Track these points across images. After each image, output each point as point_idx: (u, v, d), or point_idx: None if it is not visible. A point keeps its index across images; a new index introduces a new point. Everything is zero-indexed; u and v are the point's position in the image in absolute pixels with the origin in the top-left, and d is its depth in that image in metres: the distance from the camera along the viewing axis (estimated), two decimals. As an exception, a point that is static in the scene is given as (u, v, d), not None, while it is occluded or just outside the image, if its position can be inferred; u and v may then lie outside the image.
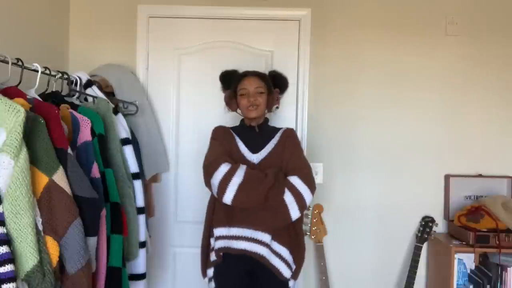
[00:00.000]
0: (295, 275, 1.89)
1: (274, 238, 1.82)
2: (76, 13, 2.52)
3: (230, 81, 2.01)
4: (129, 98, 2.27)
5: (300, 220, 1.89)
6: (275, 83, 2.01)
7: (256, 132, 1.96)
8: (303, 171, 1.81)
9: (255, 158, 1.90)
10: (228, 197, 1.73)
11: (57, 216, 1.23)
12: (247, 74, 1.96)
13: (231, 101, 2.00)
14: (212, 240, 1.91)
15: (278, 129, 2.00)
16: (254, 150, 1.92)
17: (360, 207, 2.53)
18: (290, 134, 1.96)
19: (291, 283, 1.87)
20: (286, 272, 1.84)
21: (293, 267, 1.88)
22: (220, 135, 1.95)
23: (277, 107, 2.07)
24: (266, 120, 2.01)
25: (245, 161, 1.88)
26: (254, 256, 1.80)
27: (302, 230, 1.93)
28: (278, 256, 1.83)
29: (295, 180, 1.77)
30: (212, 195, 1.94)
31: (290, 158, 1.86)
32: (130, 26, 2.52)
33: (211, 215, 1.93)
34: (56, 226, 1.23)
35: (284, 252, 1.84)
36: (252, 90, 1.90)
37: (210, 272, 1.92)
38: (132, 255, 1.83)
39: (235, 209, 1.81)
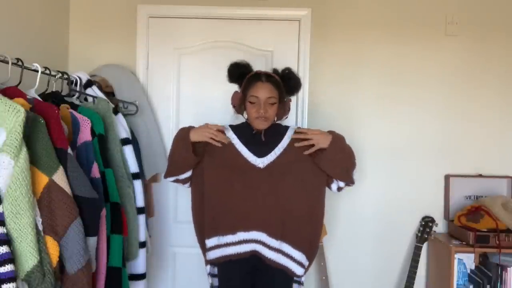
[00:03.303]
0: (306, 270, 1.86)
1: (284, 240, 1.78)
2: (76, 13, 2.51)
3: (239, 76, 1.87)
4: (129, 98, 2.27)
5: (321, 213, 1.88)
6: (287, 84, 1.86)
7: (261, 137, 1.87)
8: None
9: (261, 162, 1.81)
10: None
11: (57, 216, 1.23)
12: (260, 78, 1.80)
13: (240, 106, 1.87)
14: (207, 242, 1.86)
15: (285, 129, 1.90)
16: (260, 154, 1.83)
17: (360, 207, 2.53)
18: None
19: (302, 277, 1.86)
20: (299, 270, 1.81)
21: (306, 263, 1.83)
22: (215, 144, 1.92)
23: (286, 117, 1.93)
24: (273, 123, 1.88)
25: (248, 165, 1.81)
26: (263, 258, 1.78)
27: (320, 225, 1.89)
28: (289, 258, 1.79)
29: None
30: (195, 202, 1.91)
31: None
32: (130, 26, 2.52)
33: (202, 219, 1.89)
34: (56, 226, 1.23)
35: (296, 254, 1.80)
36: (263, 100, 1.76)
37: (208, 268, 1.92)
38: (132, 255, 1.83)
39: (240, 213, 1.79)
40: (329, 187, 1.90)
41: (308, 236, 1.84)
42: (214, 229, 1.83)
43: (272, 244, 1.78)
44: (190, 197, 1.95)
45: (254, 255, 1.80)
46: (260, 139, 1.86)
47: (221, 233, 1.81)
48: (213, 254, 1.85)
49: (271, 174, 1.81)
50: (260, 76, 1.81)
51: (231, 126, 1.93)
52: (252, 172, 1.81)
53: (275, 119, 1.87)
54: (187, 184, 1.93)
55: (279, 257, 1.79)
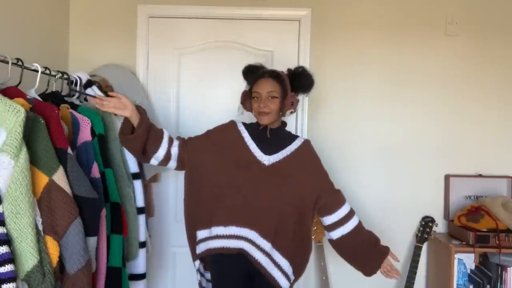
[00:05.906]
0: (291, 285, 1.82)
1: (275, 246, 1.76)
2: (76, 13, 2.51)
3: (252, 78, 1.91)
4: (129, 98, 2.26)
5: (309, 228, 1.87)
6: (300, 82, 1.87)
7: (267, 134, 1.88)
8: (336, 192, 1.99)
9: (267, 159, 1.82)
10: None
11: (57, 216, 1.23)
12: (263, 75, 1.86)
13: (246, 102, 1.91)
14: (199, 234, 1.82)
15: (294, 137, 1.94)
16: (267, 151, 1.84)
17: (360, 207, 2.52)
18: (311, 153, 1.93)
19: None
20: (284, 283, 1.77)
21: (292, 278, 1.81)
22: (219, 130, 1.90)
23: (292, 112, 1.91)
24: (283, 124, 1.92)
25: (254, 160, 1.82)
26: (252, 260, 1.74)
27: (310, 240, 1.89)
28: (277, 267, 1.76)
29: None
30: (190, 195, 1.85)
31: (327, 188, 1.95)
32: (130, 26, 2.52)
33: (195, 212, 1.85)
34: (56, 226, 1.23)
35: (284, 263, 1.77)
36: (264, 94, 1.80)
37: (197, 264, 1.88)
38: (132, 255, 1.83)
39: (236, 206, 1.76)
40: (322, 217, 1.96)
41: (298, 246, 1.83)
42: (208, 221, 1.79)
43: (263, 245, 1.74)
44: (183, 189, 1.89)
45: (242, 253, 1.74)
46: (267, 136, 1.87)
47: (214, 224, 1.77)
48: (203, 246, 1.80)
49: (275, 173, 1.81)
50: (263, 73, 1.87)
51: (244, 123, 1.94)
52: (256, 167, 1.81)
53: (280, 114, 1.86)
54: (174, 164, 1.84)
55: (267, 262, 1.74)
